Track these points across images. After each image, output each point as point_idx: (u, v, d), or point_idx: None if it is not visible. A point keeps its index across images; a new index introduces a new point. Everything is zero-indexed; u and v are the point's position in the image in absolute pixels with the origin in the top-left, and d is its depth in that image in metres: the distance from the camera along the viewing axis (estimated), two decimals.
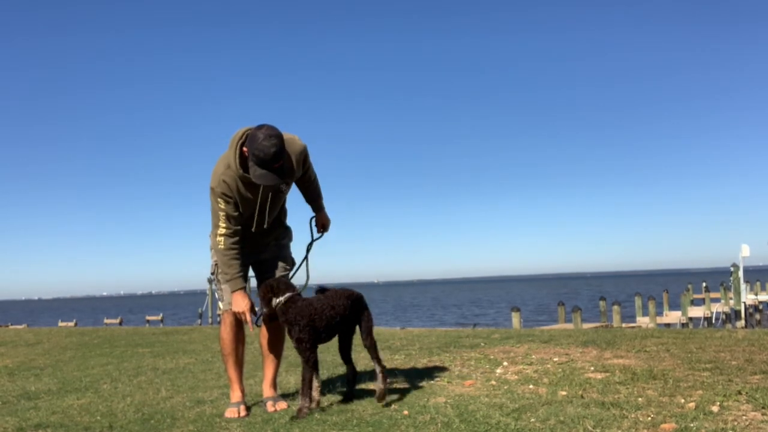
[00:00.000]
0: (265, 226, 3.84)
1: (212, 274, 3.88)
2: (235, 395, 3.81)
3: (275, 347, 3.93)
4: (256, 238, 3.88)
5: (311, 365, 3.51)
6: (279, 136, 3.48)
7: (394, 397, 3.81)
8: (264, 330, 3.93)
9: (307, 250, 4.08)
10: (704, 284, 37.80)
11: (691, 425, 2.95)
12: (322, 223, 4.14)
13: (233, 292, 3.73)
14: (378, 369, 3.67)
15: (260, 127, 3.50)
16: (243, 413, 3.66)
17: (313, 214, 4.15)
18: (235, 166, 3.59)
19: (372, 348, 3.69)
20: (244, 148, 3.55)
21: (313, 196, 4.11)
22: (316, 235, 4.13)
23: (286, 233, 4.05)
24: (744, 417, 3.07)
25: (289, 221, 4.12)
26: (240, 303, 3.74)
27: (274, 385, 3.92)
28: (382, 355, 3.79)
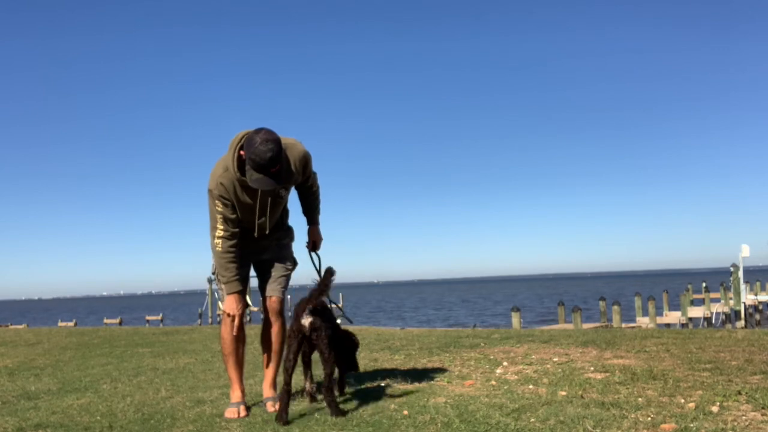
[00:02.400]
0: (266, 231, 3.83)
1: (213, 273, 3.88)
2: (235, 395, 3.81)
3: (275, 348, 3.94)
4: (258, 239, 3.88)
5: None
6: (276, 141, 3.45)
7: (395, 397, 3.81)
8: (264, 330, 3.94)
9: (318, 272, 4.03)
10: (704, 284, 37.77)
11: (691, 425, 2.95)
12: (313, 240, 4.09)
13: (228, 294, 3.75)
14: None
15: (258, 131, 3.48)
16: (243, 413, 3.65)
17: (308, 240, 4.10)
18: (233, 170, 3.58)
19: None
20: (242, 152, 3.53)
21: (311, 207, 4.08)
22: (316, 262, 4.08)
23: (287, 234, 4.04)
24: (744, 417, 3.07)
25: (290, 221, 4.11)
26: (232, 306, 3.75)
27: (275, 385, 3.92)
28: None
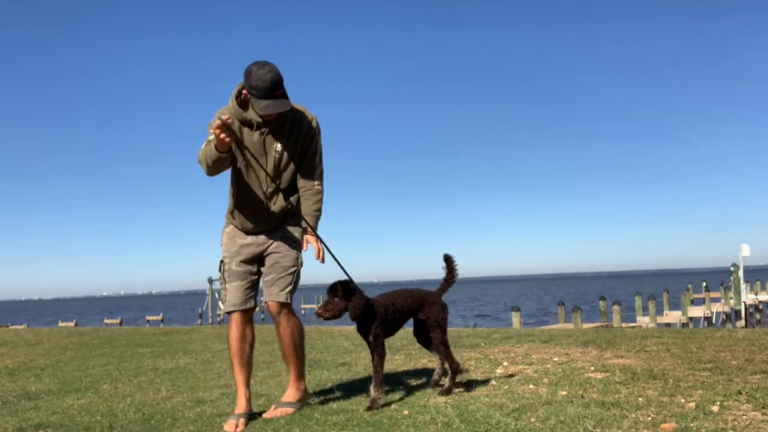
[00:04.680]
0: (279, 182, 3.63)
1: (219, 270, 3.76)
2: (239, 405, 3.61)
3: (295, 345, 3.78)
4: (265, 216, 3.71)
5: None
6: (273, 65, 3.41)
7: (395, 397, 3.81)
8: (281, 328, 3.73)
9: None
10: (704, 284, 37.71)
11: (691, 425, 2.95)
12: (317, 249, 3.68)
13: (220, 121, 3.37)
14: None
15: (252, 64, 3.45)
16: (241, 427, 3.43)
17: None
18: (234, 104, 3.53)
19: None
20: (244, 91, 3.49)
21: (308, 208, 3.71)
22: (337, 265, 3.76)
23: (295, 220, 3.78)
24: (744, 417, 3.07)
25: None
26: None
27: (297, 387, 3.77)
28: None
